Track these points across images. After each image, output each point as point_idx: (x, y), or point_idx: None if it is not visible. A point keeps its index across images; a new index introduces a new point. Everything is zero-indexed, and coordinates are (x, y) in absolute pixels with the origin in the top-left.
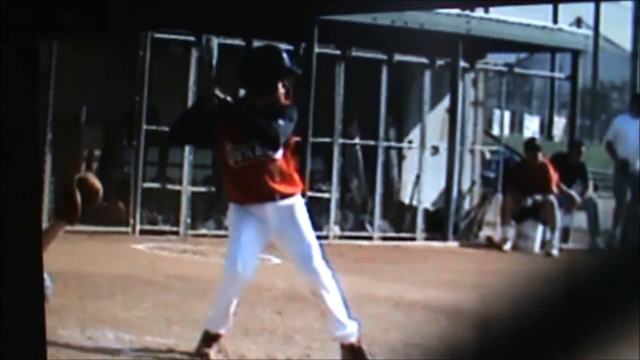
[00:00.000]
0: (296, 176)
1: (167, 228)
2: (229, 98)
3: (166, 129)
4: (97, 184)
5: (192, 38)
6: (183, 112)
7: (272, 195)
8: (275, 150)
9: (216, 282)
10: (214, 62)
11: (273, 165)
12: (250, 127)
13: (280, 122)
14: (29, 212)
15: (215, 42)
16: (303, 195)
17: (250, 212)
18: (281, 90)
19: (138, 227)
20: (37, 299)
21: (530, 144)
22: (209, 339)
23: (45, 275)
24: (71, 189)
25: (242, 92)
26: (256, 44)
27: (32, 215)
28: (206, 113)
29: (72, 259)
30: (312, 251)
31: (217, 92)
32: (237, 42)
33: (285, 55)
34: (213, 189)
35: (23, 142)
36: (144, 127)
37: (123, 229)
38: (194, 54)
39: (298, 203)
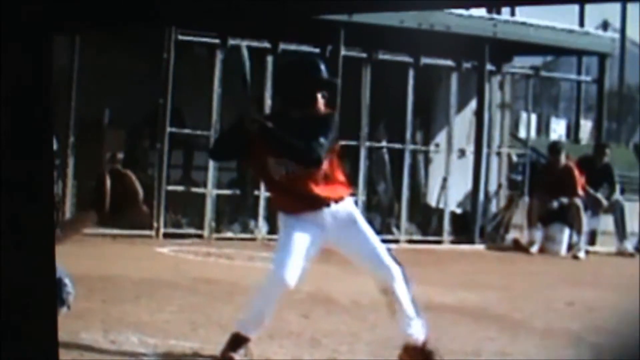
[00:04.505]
0: (343, 179)
1: (191, 231)
2: (269, 124)
3: (190, 131)
4: (132, 177)
5: (216, 40)
6: (224, 130)
7: (323, 202)
8: (318, 167)
9: (244, 285)
10: (248, 77)
11: (318, 174)
12: (290, 150)
13: (321, 139)
14: (42, 215)
15: (245, 52)
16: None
17: (304, 219)
18: (320, 101)
19: (162, 230)
20: (49, 299)
21: (553, 146)
22: (237, 342)
23: (67, 281)
24: (102, 178)
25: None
26: (282, 46)
27: (44, 218)
28: (246, 133)
29: (95, 262)
30: (380, 249)
31: (256, 115)
32: (264, 44)
33: (322, 66)
34: (238, 191)
35: (35, 143)
36: (168, 129)
37: (147, 232)
38: (219, 56)
39: (351, 205)
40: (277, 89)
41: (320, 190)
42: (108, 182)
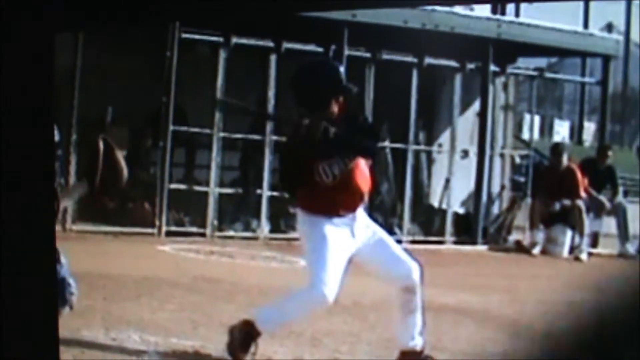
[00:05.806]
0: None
1: (193, 230)
2: (332, 129)
3: (193, 129)
4: (118, 153)
5: (220, 39)
6: (285, 164)
7: (362, 200)
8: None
9: (246, 284)
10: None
11: (360, 168)
12: (359, 146)
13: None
14: (42, 214)
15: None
16: None
17: (339, 225)
18: (335, 105)
19: (164, 228)
20: (49, 299)
21: (555, 148)
22: (249, 337)
23: (71, 281)
24: (96, 146)
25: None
26: (286, 45)
27: (44, 217)
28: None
29: (97, 259)
30: (397, 248)
31: (324, 124)
32: (267, 43)
33: (341, 71)
34: (240, 190)
35: (36, 143)
36: (171, 127)
37: (149, 230)
38: (222, 54)
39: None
40: (295, 93)
41: (363, 186)
42: (101, 149)
